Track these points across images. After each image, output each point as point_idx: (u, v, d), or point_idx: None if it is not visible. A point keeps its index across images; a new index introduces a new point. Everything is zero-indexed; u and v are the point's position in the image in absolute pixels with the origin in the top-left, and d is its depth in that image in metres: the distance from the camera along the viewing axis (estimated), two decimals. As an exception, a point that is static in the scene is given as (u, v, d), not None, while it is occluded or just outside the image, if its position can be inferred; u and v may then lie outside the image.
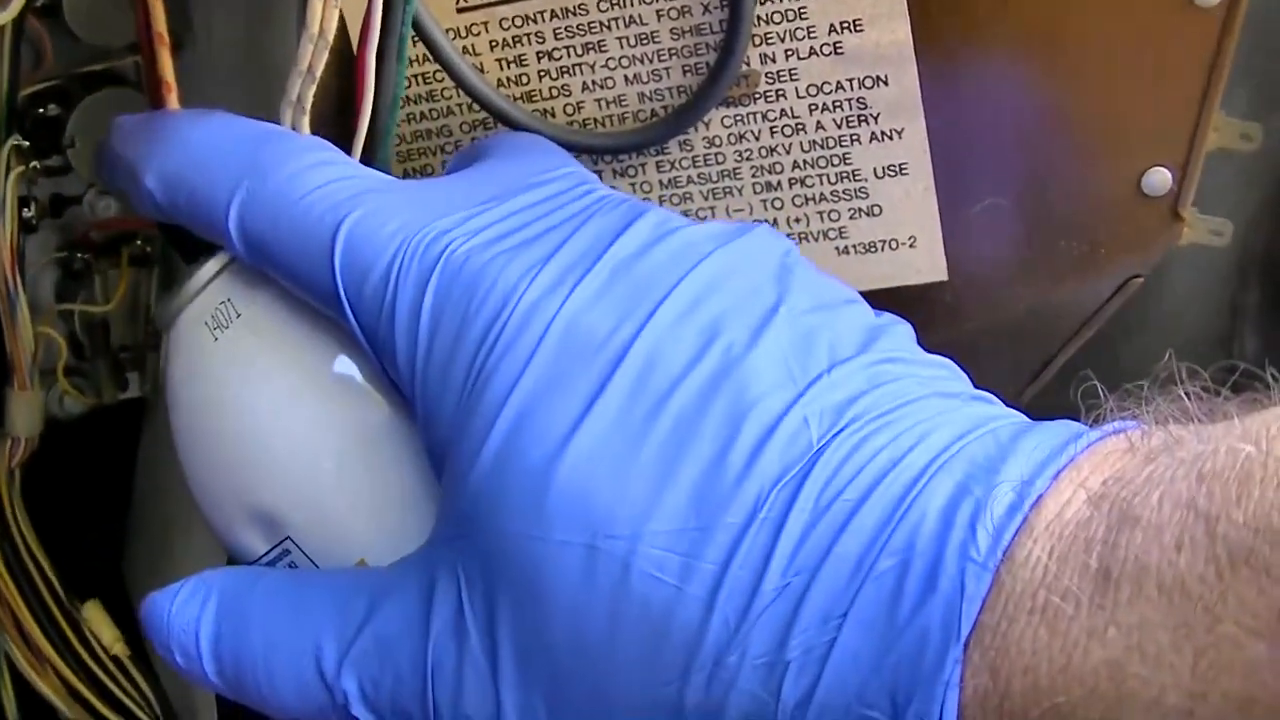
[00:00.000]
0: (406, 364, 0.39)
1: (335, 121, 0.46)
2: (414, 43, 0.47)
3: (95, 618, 0.53)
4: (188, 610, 0.41)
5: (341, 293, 0.40)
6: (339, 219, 0.40)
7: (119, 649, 0.53)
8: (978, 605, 0.33)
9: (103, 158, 0.45)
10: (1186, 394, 0.34)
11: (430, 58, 0.48)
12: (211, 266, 0.43)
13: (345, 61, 0.47)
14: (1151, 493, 0.32)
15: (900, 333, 0.40)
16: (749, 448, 0.35)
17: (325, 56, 0.42)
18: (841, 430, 0.35)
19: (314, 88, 0.43)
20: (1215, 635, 0.30)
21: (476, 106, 0.49)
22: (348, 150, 0.43)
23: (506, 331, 0.38)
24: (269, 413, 0.41)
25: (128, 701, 0.54)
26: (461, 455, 0.38)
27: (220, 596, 0.41)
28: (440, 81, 0.50)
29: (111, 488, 0.59)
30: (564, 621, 0.36)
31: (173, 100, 0.44)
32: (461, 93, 0.49)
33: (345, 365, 0.42)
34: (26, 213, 0.50)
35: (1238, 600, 0.30)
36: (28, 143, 0.49)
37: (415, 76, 0.50)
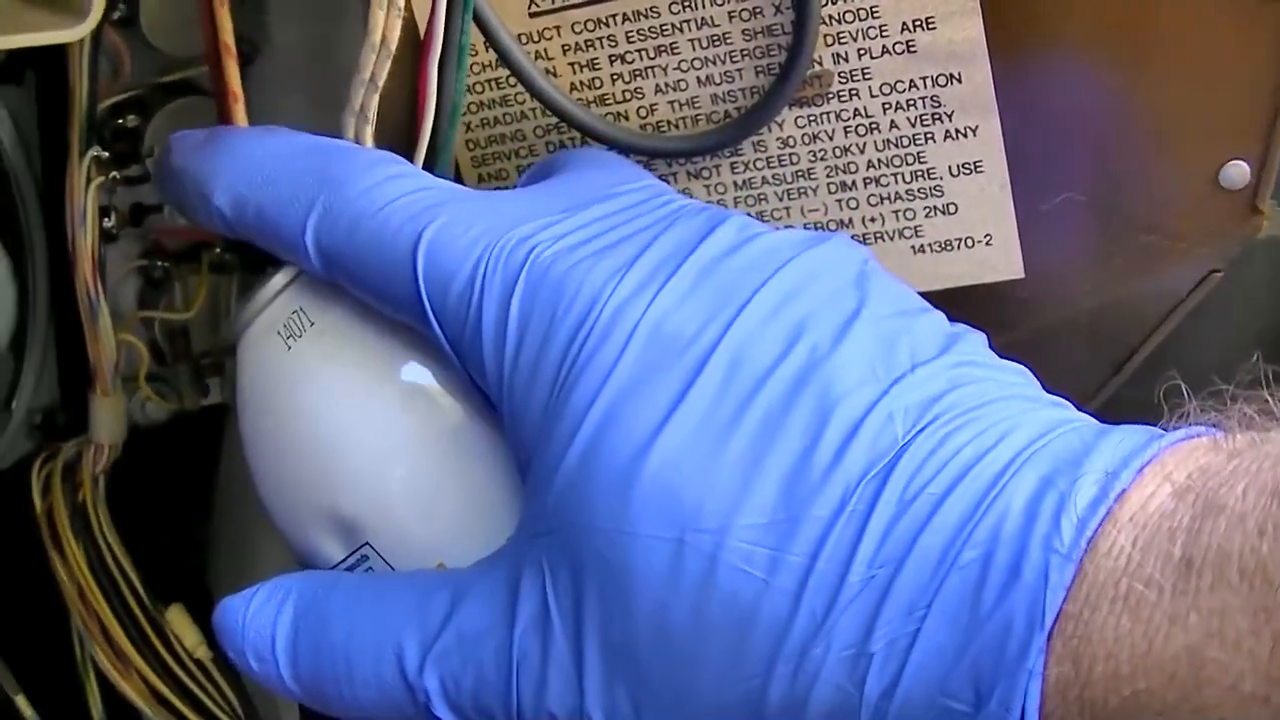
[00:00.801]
0: (494, 369, 0.39)
1: (402, 130, 0.46)
2: (485, 48, 0.47)
3: (178, 621, 0.54)
4: (264, 614, 0.42)
5: (426, 302, 0.40)
6: (419, 229, 0.40)
7: (202, 652, 0.54)
8: (1062, 595, 0.33)
9: (164, 175, 0.45)
10: (1271, 395, 0.34)
11: (501, 63, 0.48)
12: (282, 277, 0.43)
13: (409, 69, 0.47)
14: (1237, 483, 0.32)
15: (976, 340, 0.40)
16: (835, 443, 0.36)
17: (388, 65, 0.43)
18: (926, 427, 0.36)
19: (377, 97, 0.43)
20: None
21: (550, 111, 0.49)
22: (409, 159, 0.44)
23: (594, 333, 0.38)
24: (344, 419, 0.42)
25: (210, 705, 0.54)
26: (549, 454, 0.38)
27: (298, 599, 0.42)
28: (514, 86, 0.50)
29: (194, 493, 0.59)
30: (650, 615, 0.36)
31: (239, 110, 0.45)
32: (535, 98, 0.49)
33: (419, 371, 0.42)
34: (107, 222, 0.51)
35: None
36: (107, 154, 0.49)
37: (489, 82, 0.50)
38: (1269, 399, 0.35)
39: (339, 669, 0.41)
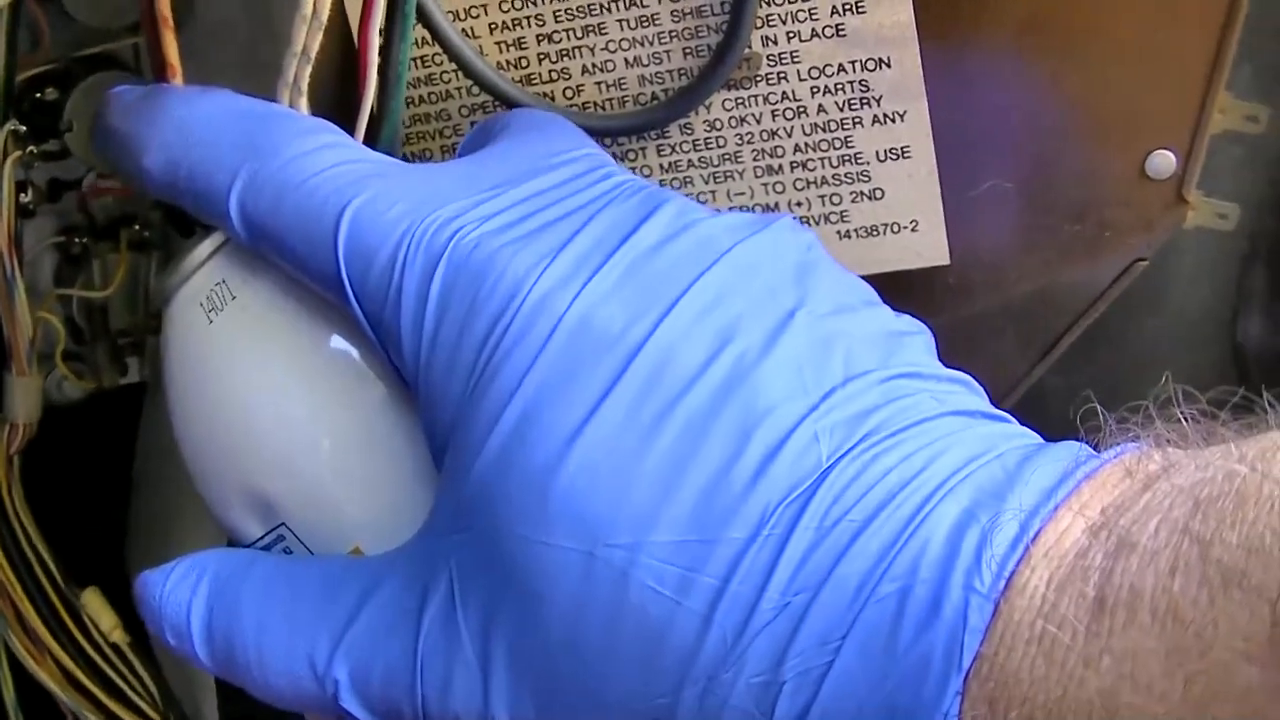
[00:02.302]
0: (411, 352, 0.39)
1: (336, 102, 0.45)
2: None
3: (95, 604, 0.53)
4: (180, 591, 0.41)
5: (345, 278, 0.39)
6: (344, 203, 0.39)
7: (118, 636, 0.53)
8: (980, 636, 0.32)
9: (98, 132, 0.44)
10: (1185, 416, 0.34)
11: (429, 40, 0.48)
12: (207, 246, 0.42)
13: (345, 41, 0.47)
14: (1149, 520, 0.32)
15: (918, 343, 0.40)
16: (757, 461, 0.35)
17: (319, 37, 0.42)
18: (852, 449, 0.35)
19: (309, 68, 0.43)
20: (1207, 661, 0.30)
21: (477, 90, 0.49)
22: (350, 132, 0.43)
23: (515, 324, 0.37)
24: (263, 399, 0.41)
25: (127, 689, 0.53)
26: (464, 449, 0.37)
27: (213, 579, 0.41)
28: (439, 65, 0.49)
29: (111, 473, 0.59)
30: (560, 626, 0.36)
31: (176, 83, 0.44)
32: (461, 75, 0.49)
33: (342, 349, 0.41)
34: (24, 197, 0.50)
35: (1229, 623, 0.30)
36: (25, 127, 0.49)
37: (414, 59, 0.50)
38: (1182, 419, 0.34)
39: (250, 654, 0.40)
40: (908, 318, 0.40)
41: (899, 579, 0.33)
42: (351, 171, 0.40)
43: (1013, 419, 0.38)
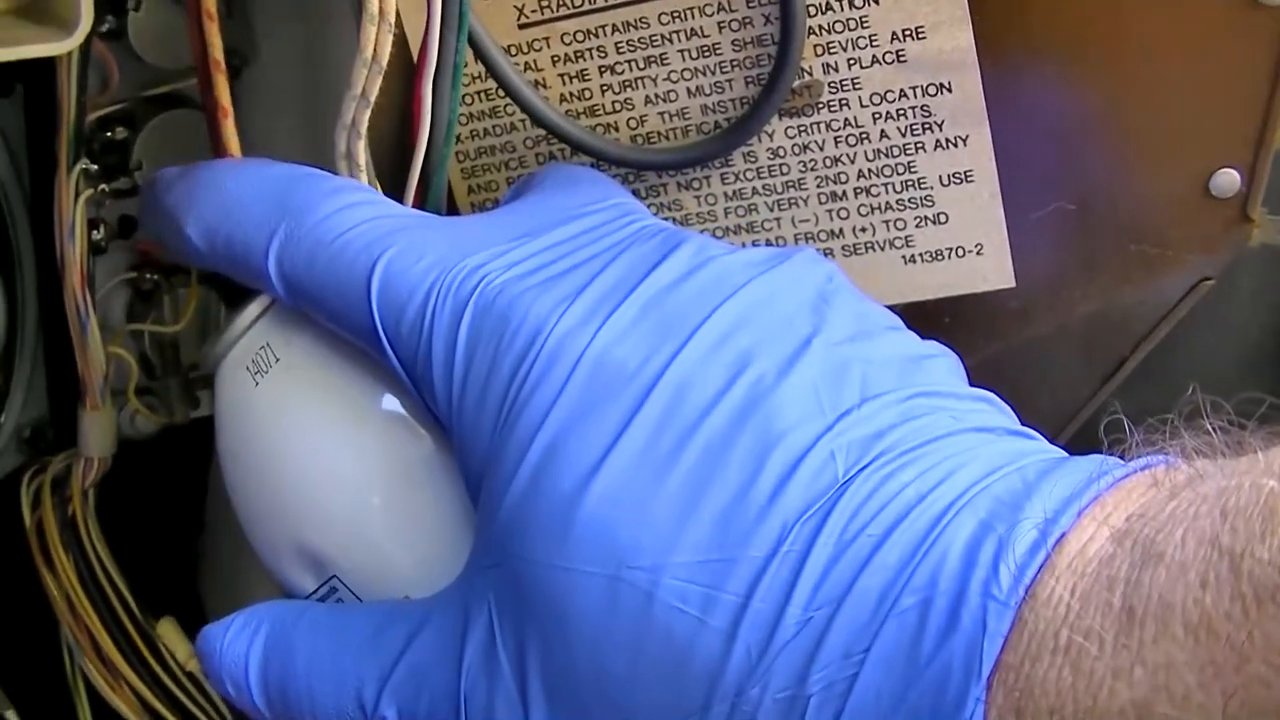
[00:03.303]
0: (444, 396, 0.40)
1: (395, 144, 0.46)
2: (474, 60, 0.47)
3: (169, 634, 0.54)
4: (239, 642, 0.43)
5: (380, 329, 0.40)
6: (374, 257, 0.40)
7: (194, 665, 0.54)
8: (999, 643, 0.33)
9: (145, 210, 0.46)
10: (1212, 427, 0.34)
11: (490, 75, 0.48)
12: (250, 312, 0.44)
13: (402, 83, 0.47)
14: (1175, 529, 0.32)
15: (940, 365, 0.40)
16: (774, 480, 0.36)
17: (379, 81, 0.43)
18: (868, 465, 0.35)
19: (368, 112, 0.43)
20: (1244, 675, 0.30)
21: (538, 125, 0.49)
22: (404, 178, 0.44)
23: (538, 364, 0.38)
24: (310, 456, 0.42)
25: (201, 717, 0.54)
26: (495, 485, 0.38)
27: (269, 630, 0.42)
28: (503, 99, 0.50)
29: (184, 506, 0.59)
30: (588, 652, 0.36)
31: (229, 126, 0.45)
32: (524, 109, 0.49)
33: (385, 403, 0.42)
34: (96, 235, 0.51)
35: (1265, 638, 0.30)
36: (95, 166, 0.49)
37: (478, 93, 0.50)
38: (1209, 430, 0.34)
39: (303, 699, 0.41)
40: (933, 342, 0.41)
41: (919, 590, 0.34)
42: (380, 226, 0.41)
43: (1039, 436, 0.38)
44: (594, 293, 0.39)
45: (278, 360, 0.43)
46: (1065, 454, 0.37)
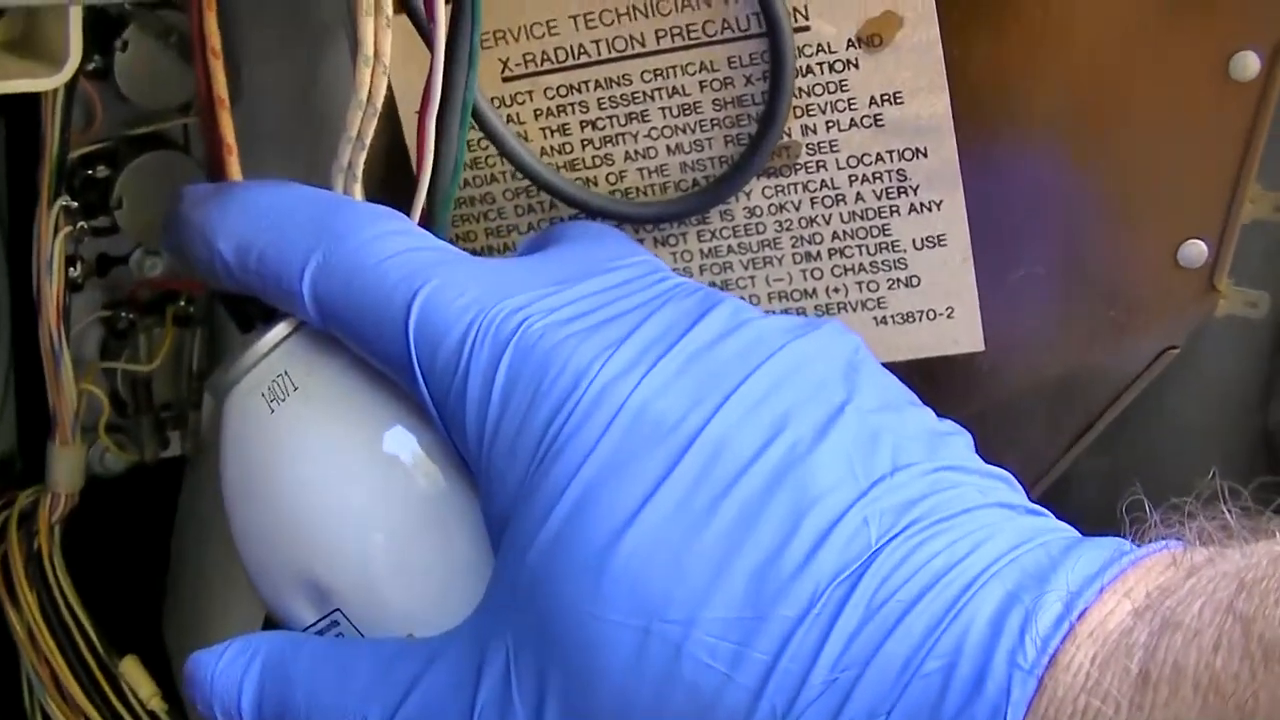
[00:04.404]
0: (475, 435, 0.40)
1: (383, 186, 0.46)
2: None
3: (133, 672, 0.54)
4: (232, 670, 0.42)
5: (414, 360, 0.40)
6: (415, 287, 0.40)
7: (156, 704, 0.54)
8: (1023, 710, 0.33)
9: (170, 223, 0.45)
10: (1229, 511, 0.35)
11: (474, 126, 0.48)
12: (270, 338, 0.43)
13: (392, 126, 0.48)
14: (1194, 601, 0.32)
15: (961, 443, 0.40)
16: (808, 543, 0.36)
17: (374, 123, 0.43)
18: (900, 533, 0.36)
19: (364, 154, 0.43)
20: None
21: (521, 174, 0.50)
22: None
23: (578, 411, 0.38)
24: (322, 487, 0.42)
25: (164, 756, 0.54)
26: (523, 529, 0.38)
27: (265, 658, 0.42)
28: (484, 149, 0.50)
29: (151, 544, 0.59)
30: (612, 701, 0.36)
31: (233, 163, 0.45)
32: (505, 161, 0.50)
33: (402, 439, 0.42)
34: (73, 271, 0.51)
35: (1270, 696, 0.30)
36: (76, 203, 0.50)
37: (460, 144, 0.50)
38: (1226, 514, 0.35)
39: None
40: (949, 421, 0.41)
41: (944, 656, 0.34)
42: (422, 258, 0.41)
43: (1051, 515, 0.39)
44: (636, 343, 0.39)
45: (296, 389, 0.42)
46: (1078, 534, 0.38)
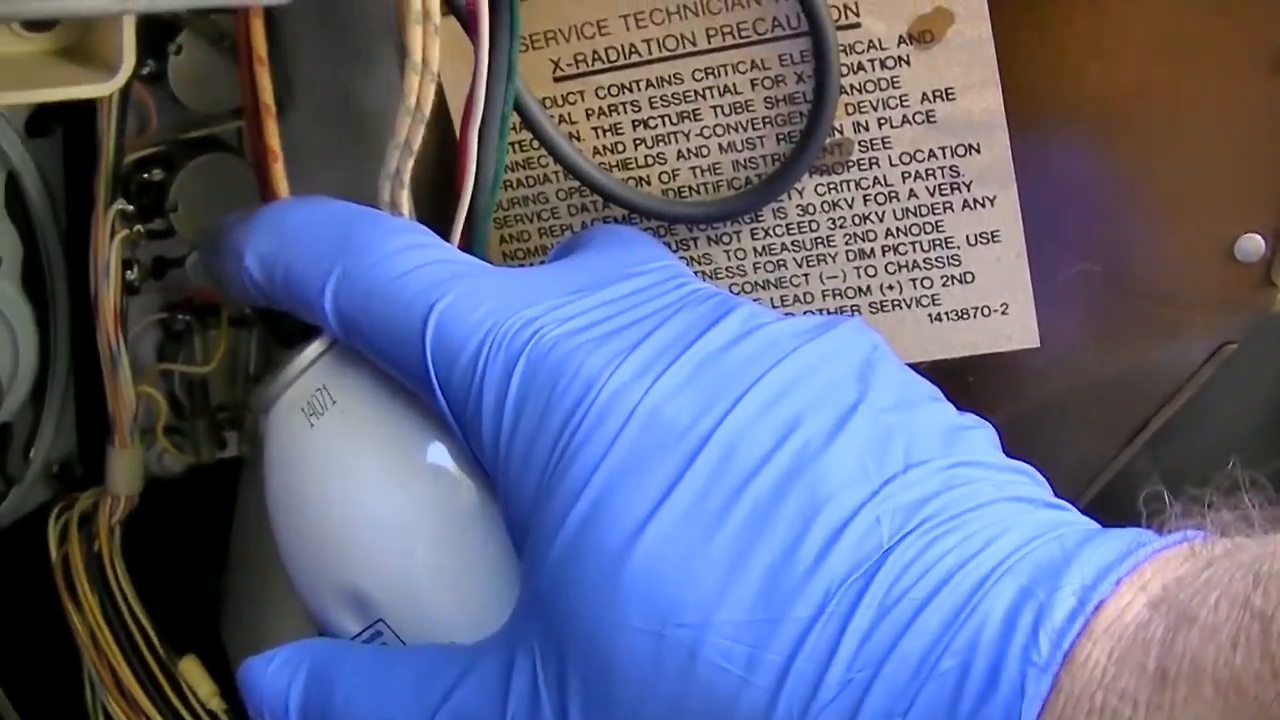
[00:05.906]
0: (491, 445, 0.40)
1: (432, 193, 0.46)
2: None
3: (192, 672, 0.54)
4: (281, 677, 0.43)
5: (432, 374, 0.41)
6: (431, 302, 0.41)
7: (215, 703, 0.54)
8: (1037, 707, 0.33)
9: (203, 249, 0.46)
10: (1251, 502, 0.35)
11: (525, 127, 0.49)
12: (309, 353, 0.44)
13: (442, 133, 0.48)
14: (1209, 594, 0.32)
15: (980, 436, 0.40)
16: (820, 543, 0.36)
17: (422, 131, 0.43)
18: (912, 531, 0.36)
19: (412, 161, 0.44)
20: None
21: (573, 176, 0.50)
22: (449, 226, 0.44)
23: (589, 418, 0.38)
24: (363, 500, 0.42)
25: (222, 755, 0.54)
26: (540, 536, 0.39)
27: (311, 666, 0.43)
28: (536, 150, 0.50)
29: (209, 545, 0.60)
30: (630, 704, 0.37)
31: (279, 170, 0.45)
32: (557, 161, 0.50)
33: (437, 450, 0.42)
34: (130, 275, 0.51)
35: None
36: (132, 207, 0.50)
37: (513, 144, 0.51)
38: (1247, 504, 0.35)
39: None
40: (970, 415, 0.41)
41: (959, 654, 0.34)
42: (438, 271, 0.42)
43: (1073, 508, 0.39)
44: (647, 351, 0.40)
45: (334, 403, 0.43)
46: (1099, 526, 0.37)
